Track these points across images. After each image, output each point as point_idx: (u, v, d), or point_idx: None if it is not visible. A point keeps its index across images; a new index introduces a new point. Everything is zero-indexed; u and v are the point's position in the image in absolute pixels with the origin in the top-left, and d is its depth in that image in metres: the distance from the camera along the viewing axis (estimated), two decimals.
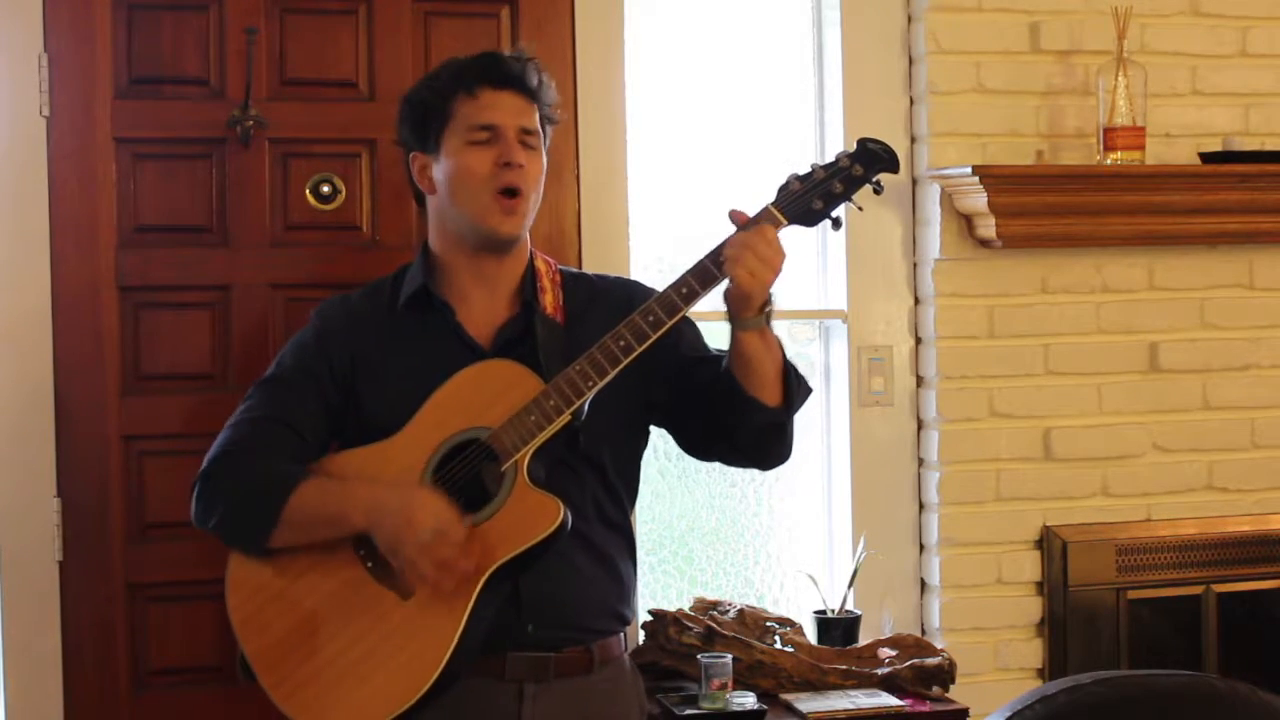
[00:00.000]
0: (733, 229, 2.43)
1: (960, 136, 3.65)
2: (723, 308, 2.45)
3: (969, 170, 3.52)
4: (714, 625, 3.41)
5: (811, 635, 3.57)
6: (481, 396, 2.47)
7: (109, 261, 3.24)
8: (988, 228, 3.58)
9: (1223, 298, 3.81)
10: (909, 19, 3.69)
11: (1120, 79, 3.60)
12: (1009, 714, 1.90)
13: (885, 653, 3.47)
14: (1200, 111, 3.80)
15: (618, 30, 3.54)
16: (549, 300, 2.61)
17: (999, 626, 3.69)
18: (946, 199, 3.64)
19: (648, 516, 3.68)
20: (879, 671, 3.42)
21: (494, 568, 2.41)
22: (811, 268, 3.75)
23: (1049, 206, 3.60)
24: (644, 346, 2.42)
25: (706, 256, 2.42)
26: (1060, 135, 3.70)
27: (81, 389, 3.23)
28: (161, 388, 3.28)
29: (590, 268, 3.33)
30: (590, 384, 2.42)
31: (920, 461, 3.73)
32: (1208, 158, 3.69)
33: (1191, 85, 3.79)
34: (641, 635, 3.44)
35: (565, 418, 2.42)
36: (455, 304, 2.60)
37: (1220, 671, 3.70)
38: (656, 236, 3.66)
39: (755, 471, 3.55)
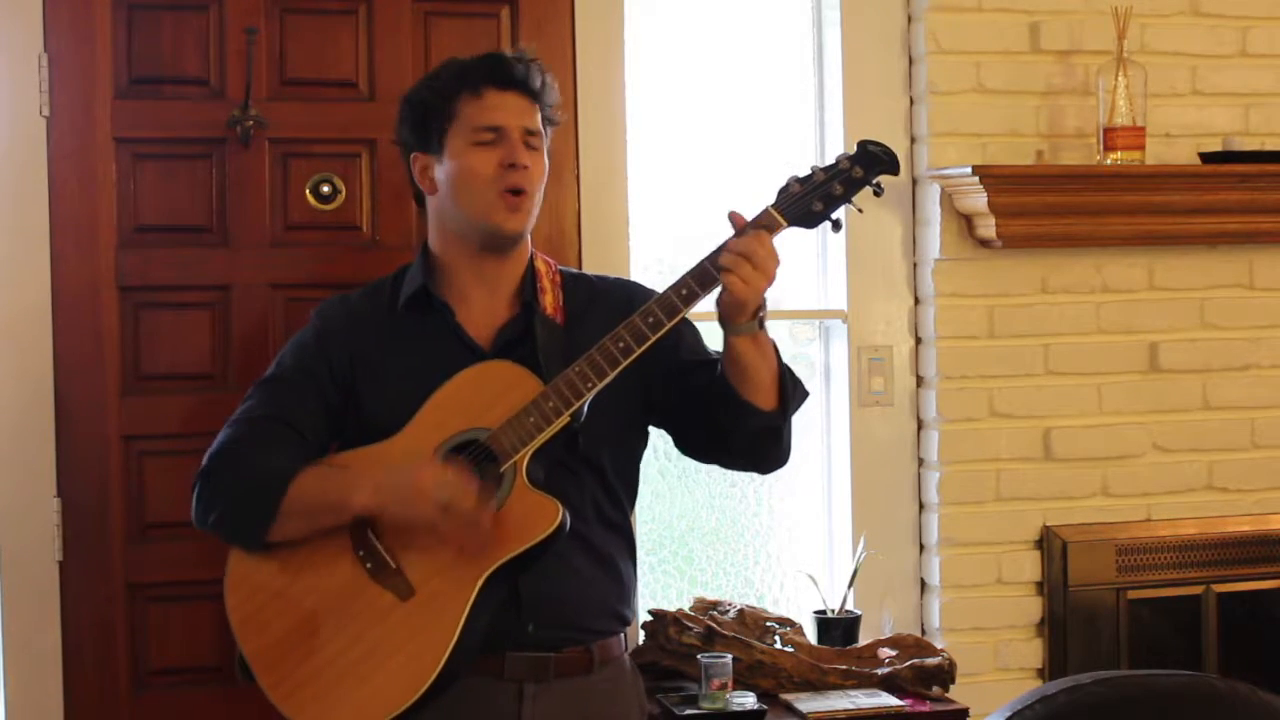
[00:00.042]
0: (732, 232, 2.43)
1: (960, 136, 3.65)
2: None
3: (969, 170, 3.52)
4: (714, 625, 3.41)
5: (811, 635, 3.57)
6: (481, 397, 2.47)
7: (109, 261, 3.24)
8: (988, 228, 3.58)
9: (1223, 298, 3.81)
10: (909, 19, 3.69)
11: (1120, 79, 3.60)
12: (1009, 714, 1.90)
13: (885, 653, 3.47)
14: (1200, 111, 3.80)
15: (618, 30, 3.54)
16: (549, 301, 2.61)
17: (999, 626, 3.69)
18: (946, 199, 3.64)
19: (648, 516, 3.68)
20: (879, 671, 3.42)
21: (493, 568, 2.41)
22: (811, 268, 3.75)
23: (1049, 206, 3.60)
24: (643, 348, 2.42)
25: (706, 258, 2.42)
26: (1060, 135, 3.70)
27: (81, 389, 3.23)
28: (161, 388, 3.28)
29: (590, 268, 3.33)
30: (589, 386, 2.42)
31: (920, 461, 3.73)
32: (1208, 158, 3.69)
33: (1191, 85, 3.79)
34: (641, 635, 3.44)
35: (564, 419, 2.43)
36: (455, 304, 2.60)
37: (1220, 671, 3.69)
38: (656, 237, 3.67)
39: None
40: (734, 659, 3.32)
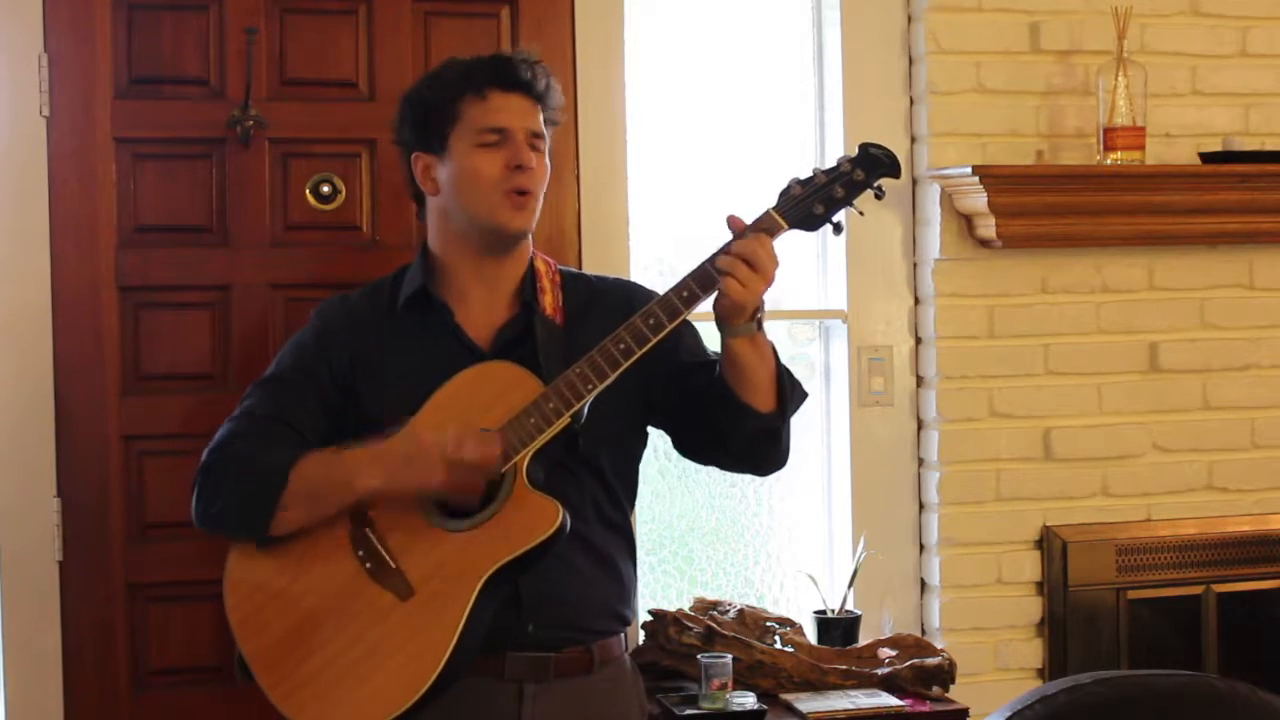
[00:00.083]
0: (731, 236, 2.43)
1: (960, 136, 3.65)
2: None
3: (969, 170, 3.52)
4: (714, 625, 3.41)
5: (811, 635, 3.57)
6: (481, 398, 2.47)
7: (109, 261, 3.24)
8: (988, 228, 3.58)
9: (1223, 298, 3.81)
10: (909, 19, 3.69)
11: (1120, 79, 3.60)
12: (1009, 714, 1.90)
13: (885, 653, 3.47)
14: (1200, 111, 3.80)
15: (618, 30, 3.54)
16: (548, 301, 2.60)
17: (999, 626, 3.69)
18: (946, 199, 3.64)
19: (648, 516, 3.68)
20: (879, 671, 3.42)
21: (493, 569, 2.41)
22: (811, 268, 3.75)
23: (1049, 206, 3.60)
24: (644, 350, 2.42)
25: (708, 260, 2.42)
26: (1060, 135, 3.70)
27: (81, 389, 3.23)
28: (161, 388, 3.28)
29: (590, 268, 3.33)
30: (590, 387, 2.42)
31: (920, 461, 3.73)
32: (1208, 158, 3.69)
33: (1191, 85, 3.79)
34: (641, 635, 3.44)
35: (565, 420, 2.42)
36: (454, 305, 2.60)
37: (1220, 671, 3.69)
38: (656, 237, 3.67)
39: None
40: (734, 659, 3.32)
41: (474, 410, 2.46)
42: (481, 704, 2.51)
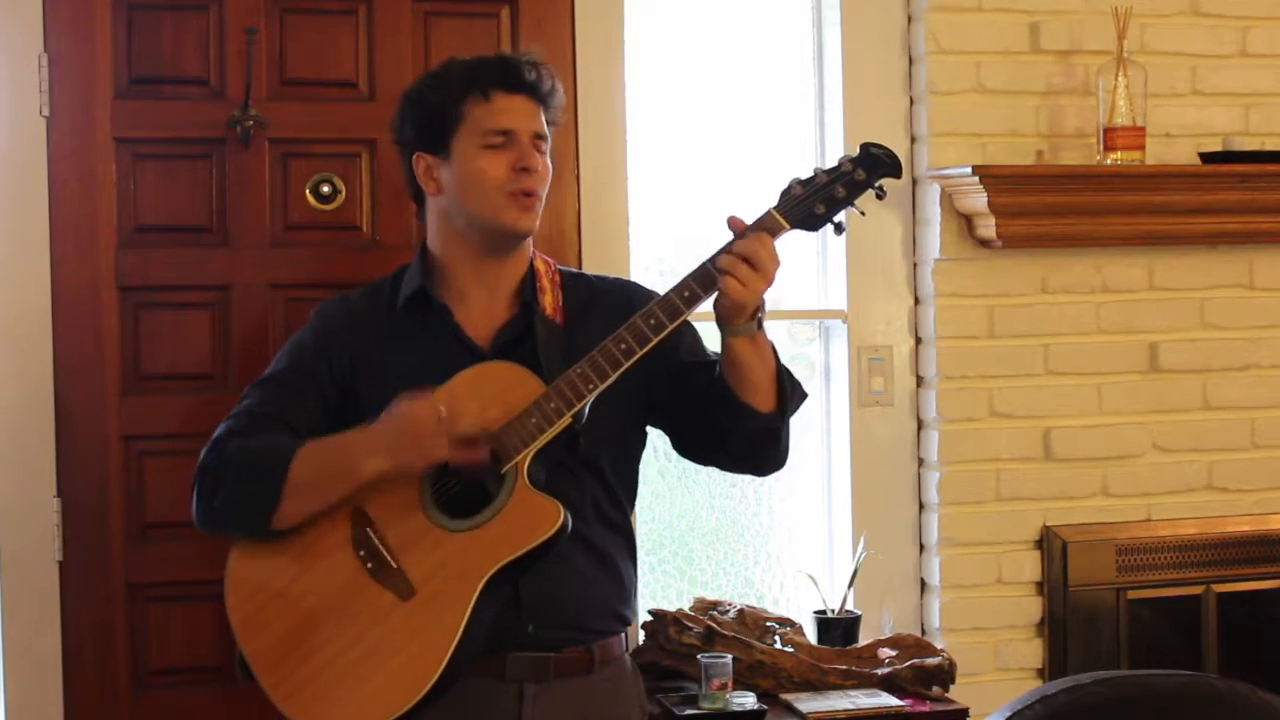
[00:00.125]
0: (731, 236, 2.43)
1: (960, 136, 3.65)
2: None
3: (969, 170, 3.52)
4: (714, 625, 3.41)
5: (811, 635, 3.57)
6: (481, 398, 2.46)
7: (109, 261, 3.24)
8: (988, 228, 3.58)
9: (1223, 298, 3.81)
10: (909, 19, 3.69)
11: (1120, 79, 3.60)
12: (1009, 714, 1.90)
13: (885, 653, 3.47)
14: (1200, 111, 3.80)
15: (618, 30, 3.54)
16: (548, 301, 2.60)
17: (999, 626, 3.69)
18: (946, 199, 3.64)
19: (648, 516, 3.68)
20: (879, 671, 3.42)
21: (495, 569, 2.40)
22: (811, 268, 3.75)
23: (1049, 206, 3.60)
24: (645, 350, 2.41)
25: (708, 260, 2.41)
26: (1060, 135, 3.70)
27: (81, 389, 3.23)
28: (161, 388, 3.28)
29: (590, 268, 3.33)
30: (591, 387, 2.42)
31: (920, 461, 3.73)
32: (1208, 158, 3.69)
33: (1191, 85, 3.79)
34: (641, 635, 3.44)
35: (566, 420, 2.42)
36: (454, 305, 2.60)
37: (1220, 671, 3.69)
38: (656, 237, 3.67)
39: None
40: (734, 659, 3.32)
41: (474, 410, 2.45)
42: (482, 704, 2.51)
